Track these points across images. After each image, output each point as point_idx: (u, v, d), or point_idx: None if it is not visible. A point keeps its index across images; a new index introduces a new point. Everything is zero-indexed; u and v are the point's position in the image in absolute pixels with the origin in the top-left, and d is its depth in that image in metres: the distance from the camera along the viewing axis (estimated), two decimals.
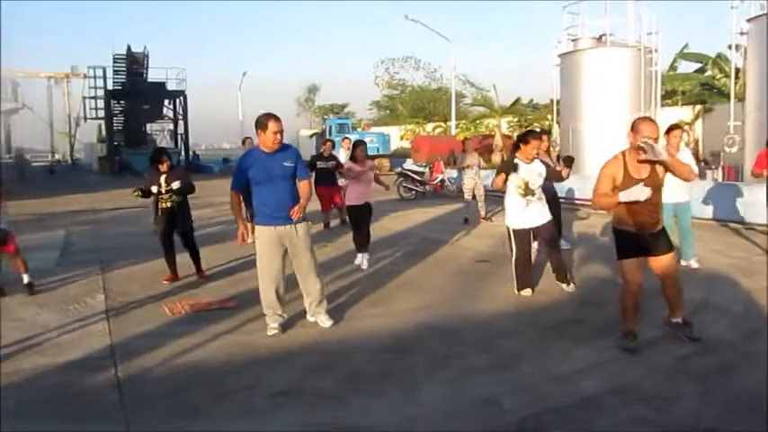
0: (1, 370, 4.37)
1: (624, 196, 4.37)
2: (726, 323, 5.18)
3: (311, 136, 40.04)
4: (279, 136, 5.10)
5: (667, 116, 18.15)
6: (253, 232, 5.42)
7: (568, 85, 17.54)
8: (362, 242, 7.93)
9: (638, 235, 4.55)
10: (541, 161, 6.48)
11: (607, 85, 16.34)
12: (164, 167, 7.15)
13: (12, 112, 65.71)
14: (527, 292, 6.22)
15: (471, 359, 4.57)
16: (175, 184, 7.09)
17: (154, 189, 7.15)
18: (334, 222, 11.43)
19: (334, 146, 12.21)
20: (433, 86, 55.13)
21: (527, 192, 6.19)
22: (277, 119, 5.11)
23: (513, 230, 6.29)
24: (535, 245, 6.90)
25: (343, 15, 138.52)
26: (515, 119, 38.46)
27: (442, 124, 44.60)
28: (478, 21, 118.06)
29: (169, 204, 7.18)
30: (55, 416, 3.85)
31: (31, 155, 64.72)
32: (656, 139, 4.31)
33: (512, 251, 6.36)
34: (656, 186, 4.46)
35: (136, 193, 7.30)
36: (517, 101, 39.98)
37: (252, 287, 6.51)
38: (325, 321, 5.42)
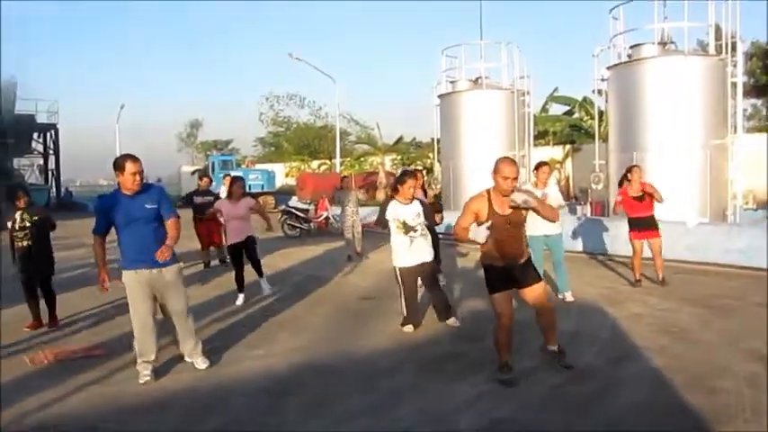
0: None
1: (471, 233, 4.59)
2: (595, 351, 5.42)
3: (193, 173, 39.01)
4: (138, 177, 4.87)
5: (540, 155, 19.12)
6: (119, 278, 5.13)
7: (448, 124, 18.15)
8: (242, 281, 7.80)
9: (506, 268, 4.74)
10: (420, 201, 6.59)
11: (484, 125, 17.05)
12: (21, 203, 6.70)
13: None
14: (409, 328, 6.28)
15: (350, 401, 4.51)
16: (34, 219, 6.68)
17: (9, 225, 6.68)
18: (214, 262, 11.08)
19: (211, 182, 11.95)
20: (318, 124, 55.44)
21: (407, 228, 6.26)
22: (135, 159, 4.89)
23: (400, 269, 6.34)
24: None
25: (228, 50, 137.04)
26: (398, 156, 39.30)
27: (327, 161, 44.81)
28: (363, 60, 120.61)
29: (25, 243, 6.70)
30: None
31: None
32: (514, 179, 4.58)
33: (400, 289, 6.39)
34: (519, 222, 4.74)
35: None
36: (400, 139, 41.00)
37: (121, 333, 6.21)
38: (201, 363, 5.22)
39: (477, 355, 5.39)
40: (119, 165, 4.85)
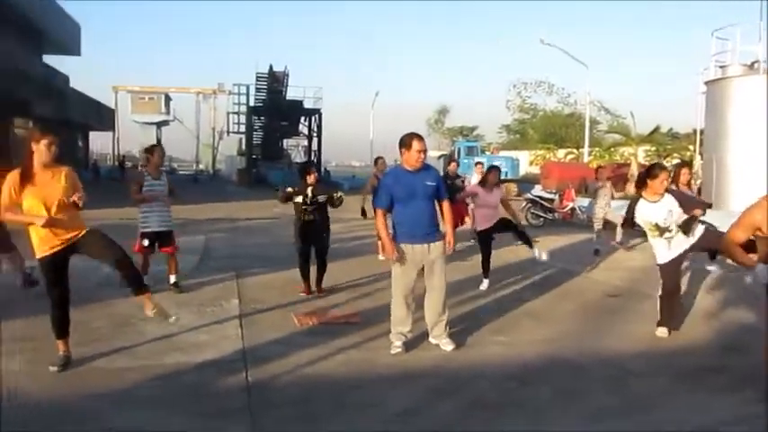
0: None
1: (760, 273, 3.96)
2: None
3: (439, 157, 40.22)
4: (422, 155, 5.18)
5: None
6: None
7: (715, 113, 16.54)
8: (488, 265, 7.92)
9: None
10: (678, 194, 6.07)
11: (758, 116, 15.22)
12: (311, 179, 7.32)
13: (163, 123, 71.10)
14: (663, 332, 5.84)
15: (599, 397, 4.37)
16: (321, 198, 7.30)
17: (299, 199, 7.29)
18: (460, 245, 11.34)
19: (458, 166, 12.25)
20: (565, 111, 53.84)
21: (661, 231, 5.80)
22: (420, 138, 5.20)
23: (659, 265, 5.93)
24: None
25: (478, 38, 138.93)
26: (653, 148, 36.72)
27: (575, 151, 43.40)
28: (616, 46, 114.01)
29: (312, 217, 7.35)
30: (189, 411, 4.07)
31: (178, 164, 69.67)
32: None
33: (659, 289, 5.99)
34: None
35: (280, 196, 7.52)
36: (656, 129, 38.10)
37: (375, 305, 6.64)
38: (447, 345, 5.37)
39: (743, 370, 4.84)
40: (405, 142, 5.17)
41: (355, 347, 5.40)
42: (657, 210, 5.75)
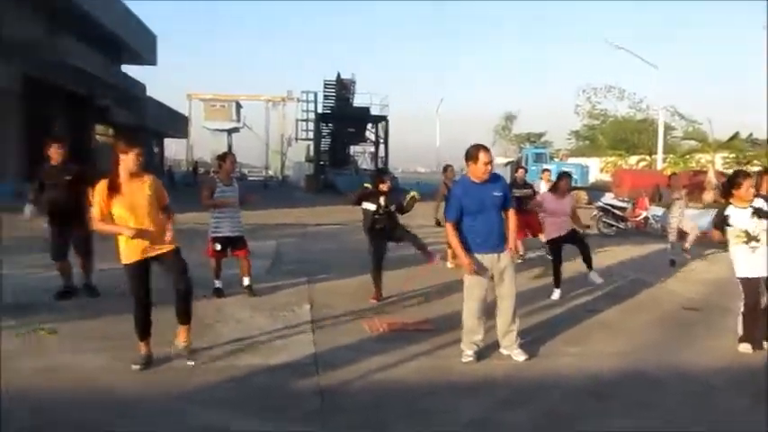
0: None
1: None
2: None
3: (506, 164, 39.81)
4: (489, 166, 5.17)
5: None
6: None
7: None
8: (559, 275, 7.76)
9: None
10: (766, 198, 5.82)
11: None
12: (384, 187, 7.38)
13: (234, 130, 72.95)
14: (746, 347, 5.60)
15: (678, 413, 4.24)
16: (393, 207, 7.35)
17: (371, 207, 7.35)
18: (532, 254, 11.17)
19: (526, 173, 12.01)
20: (637, 117, 52.35)
21: (750, 238, 5.59)
22: (487, 150, 5.19)
23: (740, 279, 5.71)
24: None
25: (545, 43, 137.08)
26: (732, 155, 35.25)
27: (647, 157, 42.14)
28: (691, 47, 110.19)
29: (382, 225, 7.39)
30: (261, 412, 4.17)
31: (248, 170, 71.38)
32: None
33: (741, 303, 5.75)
34: None
35: (353, 198, 7.61)
36: (735, 135, 36.52)
37: (446, 312, 6.62)
38: (519, 355, 5.31)
39: None
40: (472, 155, 5.17)
41: (426, 355, 5.40)
42: (747, 216, 5.59)
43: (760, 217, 5.59)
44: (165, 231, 4.95)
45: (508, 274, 5.29)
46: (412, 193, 7.57)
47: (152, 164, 42.52)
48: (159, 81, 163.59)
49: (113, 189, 4.79)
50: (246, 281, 7.56)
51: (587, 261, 7.99)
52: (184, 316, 5.08)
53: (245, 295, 7.44)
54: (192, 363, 5.03)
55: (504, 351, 5.42)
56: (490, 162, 5.16)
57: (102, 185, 4.81)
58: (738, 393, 4.64)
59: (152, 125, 42.20)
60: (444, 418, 4.11)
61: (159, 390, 4.51)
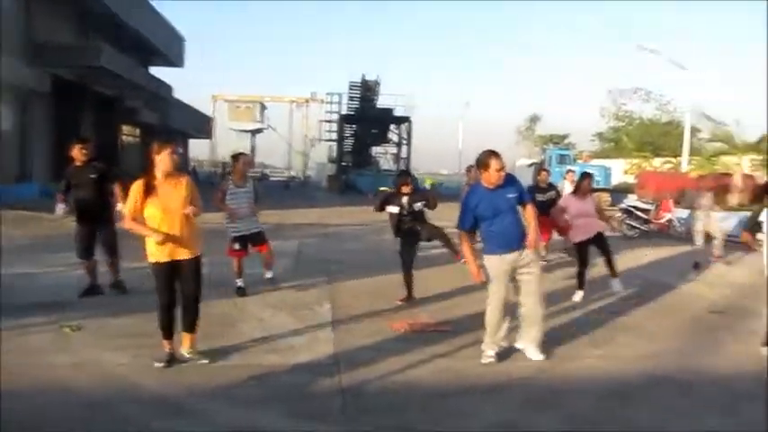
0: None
1: None
2: None
3: (530, 165, 39.55)
4: (502, 173, 5.15)
5: None
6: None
7: None
8: (584, 278, 7.69)
9: None
10: None
11: None
12: (407, 189, 7.35)
13: (258, 131, 73.42)
14: None
15: (704, 418, 4.18)
16: (418, 206, 7.32)
17: (395, 210, 7.32)
18: (554, 256, 11.08)
19: (549, 175, 11.88)
20: (663, 119, 51.70)
21: None
22: (498, 156, 5.16)
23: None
24: None
25: (572, 45, 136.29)
26: (760, 157, 34.63)
27: (672, 160, 41.57)
28: (718, 48, 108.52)
29: (410, 226, 7.36)
30: (283, 411, 4.19)
31: (270, 170, 71.81)
32: None
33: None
34: None
35: (376, 204, 7.59)
36: (763, 137, 35.88)
37: (466, 313, 6.62)
38: (535, 354, 5.29)
39: None
40: (483, 162, 5.17)
41: (447, 356, 5.39)
42: None
43: None
44: (195, 236, 5.01)
45: (532, 271, 5.27)
46: (428, 181, 7.55)
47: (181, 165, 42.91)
48: (185, 82, 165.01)
49: (149, 189, 4.86)
50: (269, 274, 7.64)
51: (611, 267, 7.91)
52: (191, 324, 5.11)
53: (267, 294, 7.48)
54: (206, 361, 5.06)
55: (518, 345, 5.42)
56: (502, 168, 5.14)
57: (137, 184, 4.89)
58: (763, 398, 4.57)
59: (178, 126, 42.59)
60: (466, 422, 4.09)
61: (182, 388, 4.55)
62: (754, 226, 5.68)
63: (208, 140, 64.37)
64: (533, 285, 5.29)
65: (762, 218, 5.61)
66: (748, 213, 6.09)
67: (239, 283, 7.53)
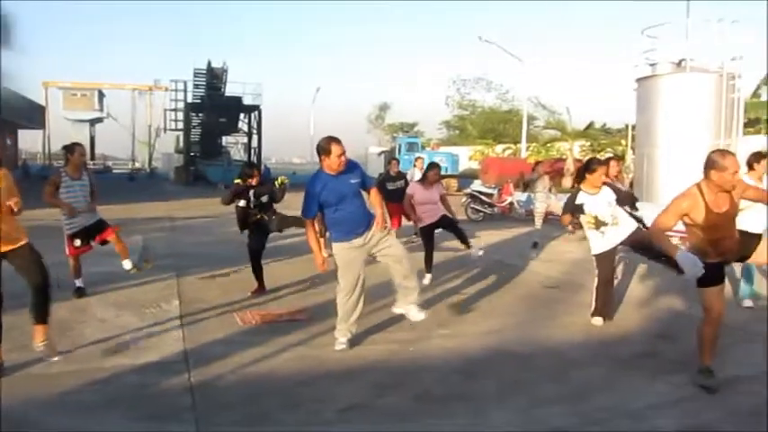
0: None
1: (680, 260, 4.18)
2: None
3: (380, 153, 40.42)
4: (343, 158, 5.16)
5: (751, 145, 17.42)
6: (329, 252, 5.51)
7: (645, 110, 17.08)
8: (431, 261, 8.00)
9: (721, 264, 4.43)
10: (612, 186, 6.29)
11: (686, 112, 15.82)
12: (253, 182, 7.26)
13: (97, 120, 68.83)
14: (598, 320, 6.06)
15: (541, 387, 4.50)
16: (264, 198, 7.26)
17: (242, 203, 7.23)
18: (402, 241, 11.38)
19: (398, 164, 12.21)
20: (504, 108, 54.78)
21: (598, 224, 6.01)
22: (338, 141, 5.15)
23: (594, 255, 6.14)
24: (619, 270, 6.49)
25: (417, 35, 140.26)
26: (588, 143, 37.75)
27: (512, 146, 44.21)
28: (553, 41, 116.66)
29: (258, 217, 7.29)
30: (131, 414, 4.00)
31: (113, 162, 67.73)
32: (735, 172, 4.21)
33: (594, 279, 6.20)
34: (734, 216, 4.43)
35: (224, 198, 7.44)
36: (590, 125, 39.22)
37: (320, 301, 6.65)
38: (417, 315, 5.44)
39: (674, 355, 5.10)
40: (324, 148, 5.13)
41: (301, 344, 5.39)
42: (597, 202, 5.99)
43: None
44: (17, 228, 4.62)
45: (388, 241, 5.34)
46: (281, 179, 7.51)
47: (4, 157, 39.23)
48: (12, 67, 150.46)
49: None
50: (127, 264, 7.03)
51: (464, 241, 8.26)
52: (41, 312, 4.72)
53: (110, 294, 7.08)
54: (57, 358, 4.75)
55: (397, 310, 5.55)
56: (343, 153, 5.16)
57: None
58: (595, 364, 5.00)
59: (4, 116, 38.92)
60: (321, 406, 4.12)
61: (13, 399, 4.18)
62: (575, 208, 6.08)
63: (40, 131, 59.31)
64: (396, 252, 5.34)
65: (581, 200, 6.02)
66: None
67: (78, 283, 7.04)
